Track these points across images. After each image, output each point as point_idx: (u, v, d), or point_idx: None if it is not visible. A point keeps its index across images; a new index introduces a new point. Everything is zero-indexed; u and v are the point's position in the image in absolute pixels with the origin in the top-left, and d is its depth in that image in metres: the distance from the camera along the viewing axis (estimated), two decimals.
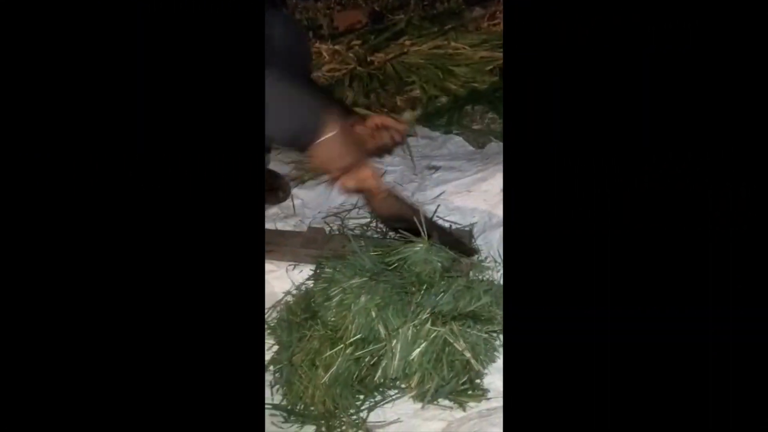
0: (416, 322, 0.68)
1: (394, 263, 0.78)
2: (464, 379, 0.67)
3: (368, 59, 1.74)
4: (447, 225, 0.98)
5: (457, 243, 0.89)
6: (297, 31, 0.93)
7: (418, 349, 0.67)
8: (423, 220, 0.84)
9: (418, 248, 0.78)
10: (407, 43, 1.82)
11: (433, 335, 0.67)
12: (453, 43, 1.74)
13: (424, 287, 0.73)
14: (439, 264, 0.78)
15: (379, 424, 0.65)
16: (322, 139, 0.73)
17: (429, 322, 0.68)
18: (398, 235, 0.91)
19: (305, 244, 0.95)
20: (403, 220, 0.87)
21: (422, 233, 0.80)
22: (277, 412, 0.69)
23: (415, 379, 0.67)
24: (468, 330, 0.68)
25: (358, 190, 0.85)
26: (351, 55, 1.78)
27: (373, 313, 0.69)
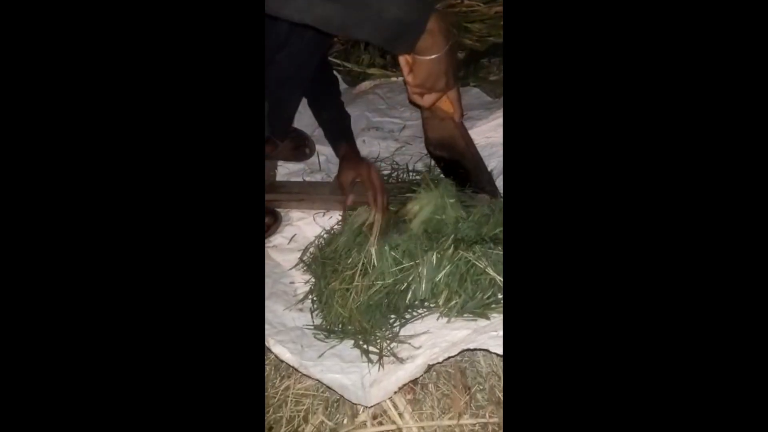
0: (440, 249, 0.74)
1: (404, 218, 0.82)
2: (489, 294, 0.72)
3: None
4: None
5: (490, 183, 0.93)
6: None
7: (443, 272, 0.73)
8: (470, 156, 0.87)
9: (430, 202, 0.81)
10: None
11: (457, 258, 0.73)
12: (467, 1, 1.74)
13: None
14: (452, 209, 0.81)
15: (411, 335, 0.72)
16: (431, 57, 0.67)
17: (452, 248, 0.73)
18: (417, 177, 0.96)
19: (333, 191, 1.01)
20: (449, 150, 0.89)
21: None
22: (319, 332, 0.76)
23: (443, 297, 0.73)
24: (490, 251, 0.73)
25: (433, 111, 0.83)
26: None
27: (393, 253, 0.75)
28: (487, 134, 1.10)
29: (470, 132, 1.13)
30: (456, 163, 0.92)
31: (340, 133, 1.03)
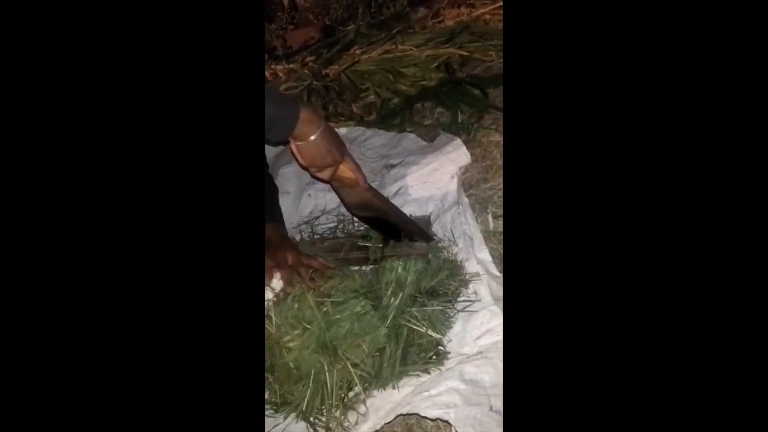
0: (379, 317, 0.74)
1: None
2: (431, 353, 0.74)
3: (323, 73, 1.82)
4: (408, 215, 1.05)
5: (419, 231, 0.97)
6: None
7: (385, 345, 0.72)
8: (390, 210, 0.91)
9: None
10: (358, 52, 1.90)
11: (397, 326, 0.73)
12: (400, 46, 1.82)
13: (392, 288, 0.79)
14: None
15: (356, 400, 0.72)
16: (310, 139, 0.80)
17: (391, 317, 0.73)
18: (363, 226, 0.99)
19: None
20: (371, 210, 0.94)
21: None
22: (269, 406, 0.76)
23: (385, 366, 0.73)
24: (425, 309, 0.75)
25: (338, 181, 0.92)
26: (306, 71, 1.86)
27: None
28: (424, 179, 1.14)
29: (407, 178, 1.18)
30: (382, 220, 0.96)
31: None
